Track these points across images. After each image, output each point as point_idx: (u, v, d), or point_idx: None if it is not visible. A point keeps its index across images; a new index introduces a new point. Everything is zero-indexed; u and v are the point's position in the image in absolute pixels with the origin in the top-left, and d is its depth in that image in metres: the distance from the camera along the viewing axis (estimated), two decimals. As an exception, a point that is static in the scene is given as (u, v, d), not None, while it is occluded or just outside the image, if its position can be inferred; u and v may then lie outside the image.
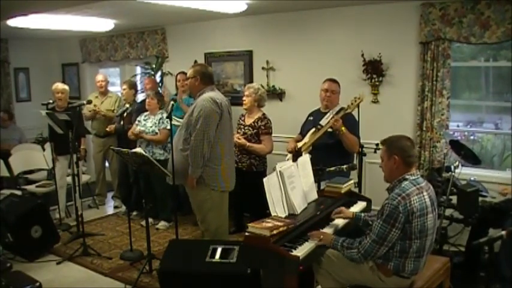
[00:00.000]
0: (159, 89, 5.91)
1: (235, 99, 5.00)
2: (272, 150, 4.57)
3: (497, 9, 3.74)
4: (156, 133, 4.71)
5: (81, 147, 5.35)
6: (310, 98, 4.24)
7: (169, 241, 3.29)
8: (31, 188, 5.48)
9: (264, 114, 4.55)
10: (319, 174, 3.38)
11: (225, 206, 3.60)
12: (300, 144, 4.00)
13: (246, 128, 4.53)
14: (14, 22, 4.84)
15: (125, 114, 5.12)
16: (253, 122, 4.50)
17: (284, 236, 2.59)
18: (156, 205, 4.99)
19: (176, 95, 5.32)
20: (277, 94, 5.15)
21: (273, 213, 2.77)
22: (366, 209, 3.32)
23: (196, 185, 3.43)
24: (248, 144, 4.43)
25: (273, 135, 4.62)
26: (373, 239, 2.42)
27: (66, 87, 5.22)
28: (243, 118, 4.64)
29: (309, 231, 2.74)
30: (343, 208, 3.02)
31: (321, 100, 4.05)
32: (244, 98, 4.55)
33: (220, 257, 2.92)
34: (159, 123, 4.73)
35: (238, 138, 4.41)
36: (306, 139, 3.96)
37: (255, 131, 4.48)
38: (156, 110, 4.82)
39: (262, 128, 4.47)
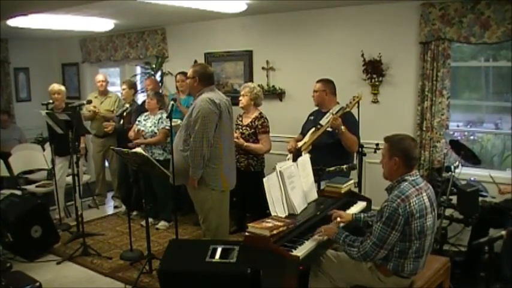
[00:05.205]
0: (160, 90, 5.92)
1: (235, 99, 4.99)
2: (270, 149, 4.58)
3: (497, 9, 3.74)
4: (156, 133, 4.71)
5: (81, 145, 5.34)
6: (310, 98, 4.23)
7: (169, 241, 3.29)
8: (31, 188, 5.48)
9: (260, 113, 4.55)
10: (319, 174, 3.38)
11: (226, 206, 3.61)
12: (299, 144, 4.01)
13: (243, 128, 4.53)
14: (14, 22, 4.84)
15: (125, 114, 5.14)
16: (251, 122, 4.50)
17: (284, 236, 2.59)
18: (156, 205, 4.98)
19: (175, 94, 5.33)
20: (277, 94, 5.15)
21: (273, 213, 2.77)
22: (366, 209, 3.32)
23: (198, 185, 3.43)
24: (246, 144, 4.43)
25: (272, 135, 4.62)
26: (374, 242, 2.41)
27: (63, 87, 5.19)
28: (240, 118, 4.64)
29: (309, 231, 2.74)
30: (341, 212, 2.98)
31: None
32: (240, 98, 4.55)
33: (220, 257, 2.92)
34: (158, 123, 4.73)
35: (237, 138, 4.41)
36: (306, 138, 3.97)
37: (252, 130, 4.48)
38: (156, 110, 4.82)
39: (260, 127, 4.47)
